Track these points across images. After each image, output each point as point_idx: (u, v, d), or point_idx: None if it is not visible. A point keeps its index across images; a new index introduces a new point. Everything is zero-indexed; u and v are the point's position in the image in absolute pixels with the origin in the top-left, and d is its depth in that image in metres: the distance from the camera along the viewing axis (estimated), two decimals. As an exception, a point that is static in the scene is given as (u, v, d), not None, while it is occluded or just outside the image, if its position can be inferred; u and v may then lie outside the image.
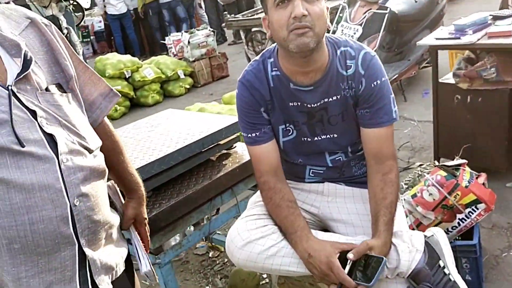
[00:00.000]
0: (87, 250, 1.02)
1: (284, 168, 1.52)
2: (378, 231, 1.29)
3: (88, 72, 1.19)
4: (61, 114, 1.03)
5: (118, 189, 1.30)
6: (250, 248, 1.35)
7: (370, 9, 3.73)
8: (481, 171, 1.98)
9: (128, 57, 5.96)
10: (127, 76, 5.69)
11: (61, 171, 0.97)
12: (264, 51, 1.46)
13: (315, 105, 1.39)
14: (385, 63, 4.20)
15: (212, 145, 2.11)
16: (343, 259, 1.26)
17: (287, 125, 1.44)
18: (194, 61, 6.24)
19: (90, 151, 1.07)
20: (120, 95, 1.30)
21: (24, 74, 0.98)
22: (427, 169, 2.14)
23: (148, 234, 1.37)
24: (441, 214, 1.89)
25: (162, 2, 8.47)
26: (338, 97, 1.38)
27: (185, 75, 6.14)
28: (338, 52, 1.37)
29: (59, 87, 1.06)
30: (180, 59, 6.33)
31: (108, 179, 1.18)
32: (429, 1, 4.19)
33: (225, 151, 2.23)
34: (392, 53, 4.11)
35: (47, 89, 1.03)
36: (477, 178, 1.92)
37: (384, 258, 1.25)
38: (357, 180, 1.53)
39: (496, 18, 2.64)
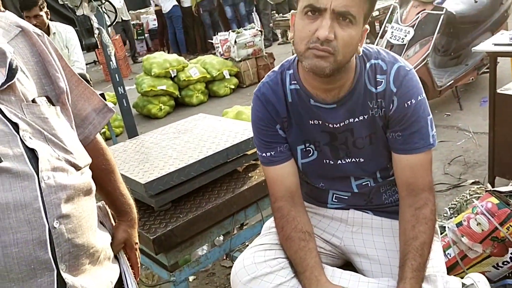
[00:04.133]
0: (67, 277, 0.92)
1: (305, 191, 1.36)
2: (404, 277, 1.10)
3: (82, 86, 1.12)
4: (47, 127, 0.94)
5: (109, 210, 1.21)
6: (256, 285, 1.19)
7: (424, 9, 3.45)
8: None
9: (174, 56, 5.97)
10: (172, 76, 5.69)
11: (41, 189, 0.88)
12: (284, 61, 1.30)
13: (338, 125, 1.21)
14: (440, 67, 3.90)
15: (238, 156, 1.98)
16: None
17: (307, 145, 1.28)
18: (240, 61, 6.16)
19: (77, 168, 0.98)
20: (115, 111, 1.20)
21: (8, 84, 0.90)
22: (477, 192, 1.89)
23: (139, 260, 1.27)
24: (491, 247, 1.65)
25: None
26: (366, 117, 1.20)
27: (230, 75, 6.07)
28: (368, 65, 1.19)
29: (48, 99, 0.98)
30: (226, 58, 6.27)
31: (99, 200, 1.08)
32: (492, 1, 3.84)
33: (252, 162, 2.10)
34: (448, 57, 3.80)
35: (33, 101, 0.94)
36: (536, 207, 1.66)
37: None
38: (387, 209, 1.34)
39: None
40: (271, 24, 7.68)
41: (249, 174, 2.03)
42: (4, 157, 0.85)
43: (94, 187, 1.03)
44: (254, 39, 6.17)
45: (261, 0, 8.46)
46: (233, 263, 2.44)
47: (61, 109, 1.02)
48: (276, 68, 1.29)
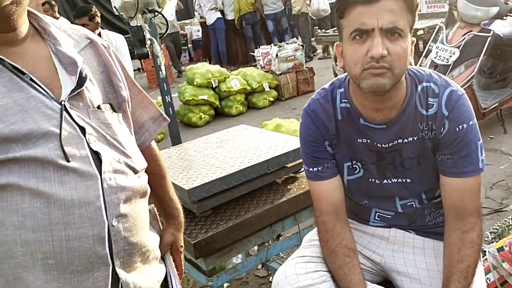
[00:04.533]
0: (121, 272, 0.99)
1: (347, 206, 1.38)
2: None
3: (141, 95, 1.21)
4: (110, 132, 1.02)
5: (157, 214, 1.27)
6: None
7: (471, 31, 3.41)
8: None
9: (216, 67, 6.11)
10: (214, 86, 5.83)
11: (102, 189, 0.95)
12: (334, 79, 1.34)
13: (387, 145, 1.23)
14: (485, 89, 3.83)
15: (278, 168, 2.03)
16: None
17: (354, 162, 1.30)
18: (280, 74, 6.23)
19: (135, 171, 1.05)
20: (169, 120, 1.28)
21: (77, 91, 0.99)
22: (520, 218, 1.86)
23: (183, 262, 1.33)
24: (532, 275, 1.62)
25: (267, 13, 8.72)
26: (415, 138, 1.21)
27: (270, 87, 6.15)
28: (419, 87, 1.20)
29: (111, 107, 1.07)
30: (267, 71, 6.36)
31: (149, 203, 1.15)
32: (543, 24, 3.74)
33: (292, 175, 2.14)
34: (493, 80, 3.73)
35: (99, 107, 1.03)
36: None
37: None
38: (430, 230, 1.34)
39: None
40: (312, 39, 7.74)
41: (288, 187, 2.06)
42: (72, 158, 0.93)
43: (149, 190, 1.10)
44: (296, 53, 6.23)
45: (302, 15, 8.54)
46: (268, 272, 2.49)
47: (122, 116, 1.10)
48: (326, 86, 1.32)
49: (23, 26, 0.99)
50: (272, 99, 6.20)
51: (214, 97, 5.84)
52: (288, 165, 2.06)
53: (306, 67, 6.45)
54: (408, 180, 1.27)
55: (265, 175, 2.00)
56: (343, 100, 1.27)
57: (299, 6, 8.38)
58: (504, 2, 3.44)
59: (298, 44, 6.35)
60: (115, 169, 0.99)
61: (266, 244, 2.13)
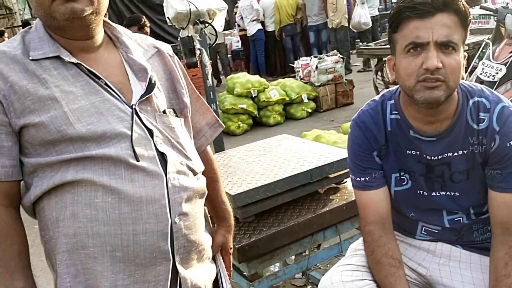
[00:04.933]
0: (180, 268, 1.05)
1: (394, 219, 1.39)
2: None
3: (200, 102, 1.28)
4: (174, 135, 1.09)
5: (208, 216, 1.33)
6: None
7: (519, 47, 3.34)
8: None
9: (256, 77, 6.20)
10: (253, 96, 5.91)
11: (167, 188, 1.02)
12: (385, 91, 1.37)
13: (436, 158, 1.25)
14: (532, 108, 3.72)
15: (321, 178, 2.06)
16: None
17: (402, 174, 1.32)
18: (319, 86, 6.25)
19: (194, 173, 1.11)
20: (224, 126, 1.34)
21: (147, 96, 1.06)
22: None
23: (231, 263, 1.38)
24: None
25: (310, 24, 8.80)
26: (465, 152, 1.23)
27: (308, 99, 6.17)
28: (471, 102, 1.22)
29: (174, 112, 1.14)
30: (306, 83, 6.40)
31: (202, 204, 1.21)
32: None
33: (334, 185, 2.16)
34: (542, 98, 3.62)
35: (164, 112, 1.10)
36: None
37: None
38: (477, 245, 1.34)
39: None
40: (353, 52, 7.72)
41: (330, 197, 2.09)
42: (141, 158, 1.00)
43: (206, 192, 1.16)
44: (336, 65, 6.24)
45: (341, 29, 8.53)
46: (309, 281, 2.50)
47: (184, 121, 1.16)
48: (376, 98, 1.36)
49: (99, 34, 1.08)
50: (310, 111, 6.22)
51: (253, 106, 5.92)
52: (331, 176, 2.09)
53: (346, 80, 6.44)
54: (457, 194, 1.28)
55: (308, 184, 2.02)
56: (393, 112, 1.29)
57: (338, 20, 8.39)
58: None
59: (339, 56, 6.36)
60: (178, 170, 1.05)
61: (304, 254, 2.16)
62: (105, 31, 1.11)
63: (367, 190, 1.33)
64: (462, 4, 1.12)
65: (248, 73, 8.65)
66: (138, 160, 0.99)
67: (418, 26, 1.11)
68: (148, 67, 1.09)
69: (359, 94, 6.59)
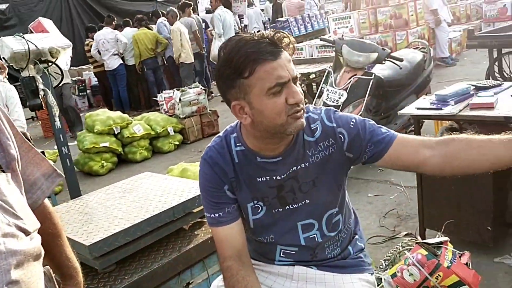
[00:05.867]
0: None
1: (253, 247, 1.42)
2: None
3: (32, 152, 1.15)
4: None
5: (53, 275, 1.21)
6: None
7: (356, 74, 3.77)
8: (468, 245, 1.88)
9: (118, 113, 5.96)
10: (116, 132, 5.67)
11: None
12: (227, 126, 1.41)
13: (284, 175, 1.34)
14: (372, 126, 4.19)
15: (184, 214, 2.02)
16: None
17: (255, 202, 1.37)
18: (184, 118, 6.26)
19: (27, 233, 0.99)
20: (63, 176, 1.24)
21: None
22: (408, 244, 2.04)
23: None
24: (423, 296, 1.77)
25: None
26: (306, 164, 1.34)
27: (175, 131, 6.13)
28: None
29: None
30: (171, 115, 6.35)
31: (44, 264, 1.08)
32: (415, 68, 4.26)
33: (199, 219, 2.14)
34: (379, 117, 4.11)
35: None
36: (460, 257, 1.81)
37: None
38: (330, 263, 1.43)
39: (478, 88, 2.65)
40: (214, 83, 7.88)
41: (195, 232, 2.06)
42: None
43: (43, 252, 1.04)
44: (199, 97, 6.33)
45: (182, 65, 8.35)
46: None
47: (11, 175, 1.04)
48: (220, 134, 1.40)
49: None
50: (177, 143, 6.18)
51: (116, 143, 5.67)
52: (195, 211, 2.07)
53: (210, 110, 6.56)
54: (307, 201, 1.36)
55: (171, 222, 1.98)
56: (238, 144, 1.35)
57: (176, 54, 8.11)
58: (382, 48, 3.87)
59: (201, 88, 6.46)
60: (4, 232, 0.93)
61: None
62: None
63: (221, 225, 1.35)
64: (290, 39, 1.22)
65: (110, 109, 8.30)
66: None
67: (275, 66, 1.16)
68: None
69: (224, 123, 6.75)
